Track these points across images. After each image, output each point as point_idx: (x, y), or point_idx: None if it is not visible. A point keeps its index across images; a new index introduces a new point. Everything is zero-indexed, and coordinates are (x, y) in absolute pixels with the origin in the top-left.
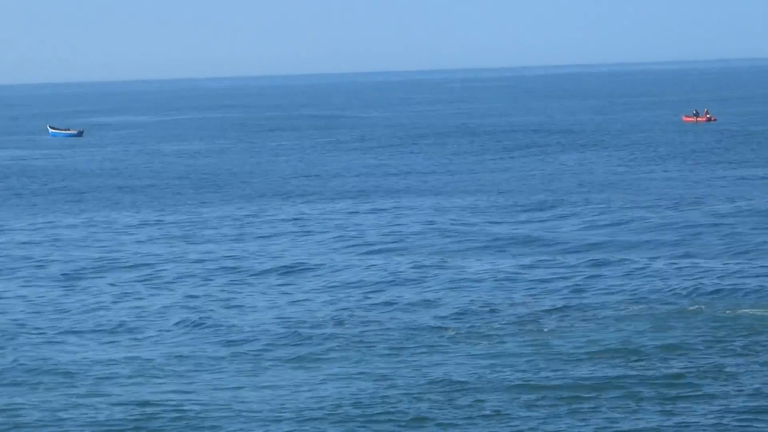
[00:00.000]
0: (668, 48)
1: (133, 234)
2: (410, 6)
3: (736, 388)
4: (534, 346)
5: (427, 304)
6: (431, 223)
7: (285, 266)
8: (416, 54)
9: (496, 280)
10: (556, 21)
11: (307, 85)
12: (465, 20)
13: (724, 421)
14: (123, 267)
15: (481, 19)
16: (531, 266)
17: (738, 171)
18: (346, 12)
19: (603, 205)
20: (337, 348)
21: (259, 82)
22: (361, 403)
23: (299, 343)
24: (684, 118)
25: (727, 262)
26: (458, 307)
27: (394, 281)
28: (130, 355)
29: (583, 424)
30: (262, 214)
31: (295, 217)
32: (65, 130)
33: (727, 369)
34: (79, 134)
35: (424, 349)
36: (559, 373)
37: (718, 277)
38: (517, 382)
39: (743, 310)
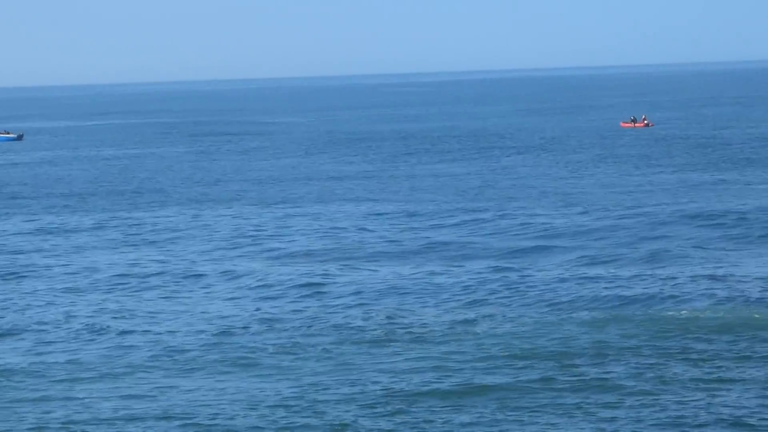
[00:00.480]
0: (614, 52)
1: (36, 240)
2: (352, 10)
3: (660, 390)
4: (460, 350)
5: (348, 310)
6: (346, 228)
7: (202, 273)
8: (354, 59)
9: (420, 286)
10: (502, 26)
11: (236, 90)
12: (402, 25)
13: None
14: (23, 274)
15: (422, 24)
16: (446, 272)
17: (668, 175)
18: (281, 17)
19: (528, 210)
20: (263, 353)
21: (195, 87)
22: (290, 407)
23: (223, 349)
24: (621, 124)
25: (646, 267)
26: (378, 314)
27: (314, 287)
28: (33, 360)
29: (516, 427)
30: (164, 220)
31: (196, 223)
32: (5, 133)
33: (647, 372)
34: (19, 138)
35: (350, 355)
36: (488, 375)
37: (638, 282)
38: (445, 386)
39: (667, 313)
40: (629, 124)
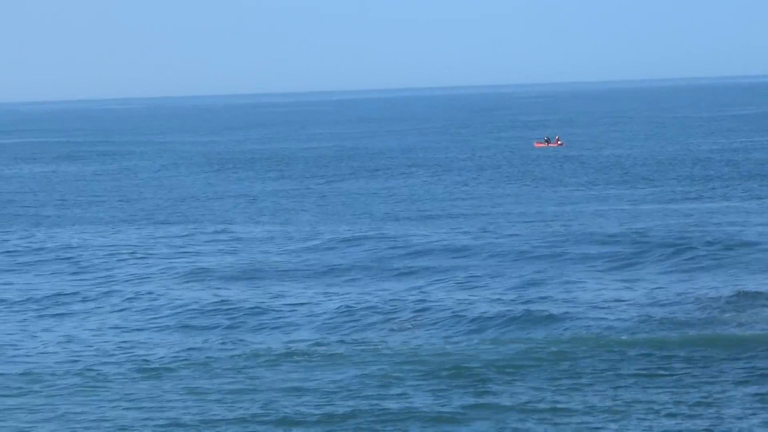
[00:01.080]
0: (533, 70)
1: None
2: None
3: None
4: (358, 372)
5: (252, 330)
6: (244, 248)
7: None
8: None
9: (309, 309)
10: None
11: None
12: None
13: None
14: None
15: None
16: (338, 294)
17: (566, 194)
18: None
19: (421, 230)
20: (178, 367)
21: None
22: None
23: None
24: (535, 144)
25: (532, 288)
26: (278, 333)
27: (215, 305)
28: None
29: None
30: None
31: (71, 245)
32: None
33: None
34: None
35: (255, 374)
36: (383, 400)
37: (519, 303)
38: (341, 409)
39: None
40: (543, 144)
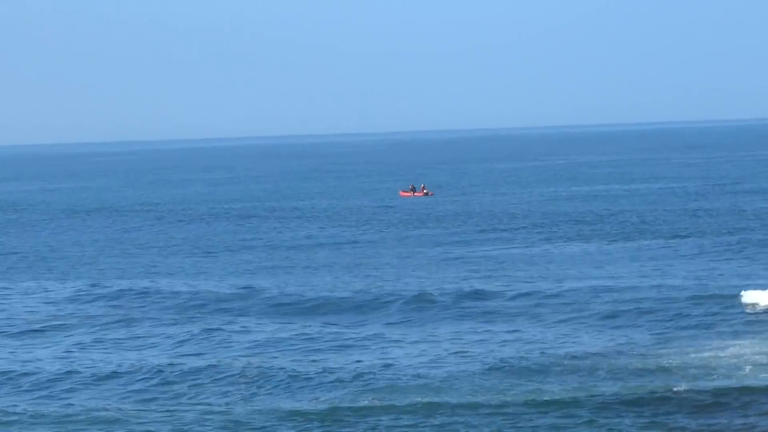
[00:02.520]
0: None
1: None
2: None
3: None
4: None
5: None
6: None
7: None
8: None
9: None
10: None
11: None
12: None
13: None
14: None
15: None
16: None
17: (417, 249)
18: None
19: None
20: None
21: None
22: None
23: None
24: (401, 193)
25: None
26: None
27: None
28: None
29: None
30: None
31: None
32: None
33: None
34: None
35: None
36: None
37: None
38: None
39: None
40: (408, 194)
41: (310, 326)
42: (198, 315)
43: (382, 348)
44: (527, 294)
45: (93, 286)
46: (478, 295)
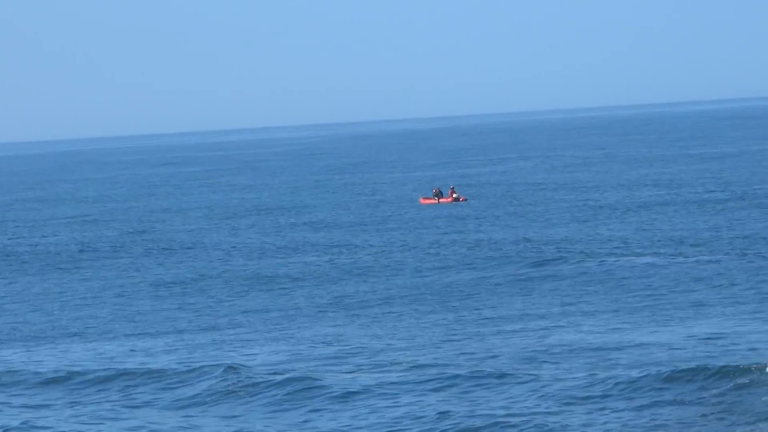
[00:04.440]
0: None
1: None
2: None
3: None
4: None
5: None
6: None
7: None
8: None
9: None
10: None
11: None
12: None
13: None
14: None
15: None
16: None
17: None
18: None
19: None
20: None
21: None
22: None
23: None
24: (422, 200)
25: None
26: None
27: None
28: None
29: None
30: None
31: None
32: None
33: None
34: None
35: None
36: None
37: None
38: None
39: None
40: (432, 200)
41: None
42: None
43: None
44: None
45: None
46: None
